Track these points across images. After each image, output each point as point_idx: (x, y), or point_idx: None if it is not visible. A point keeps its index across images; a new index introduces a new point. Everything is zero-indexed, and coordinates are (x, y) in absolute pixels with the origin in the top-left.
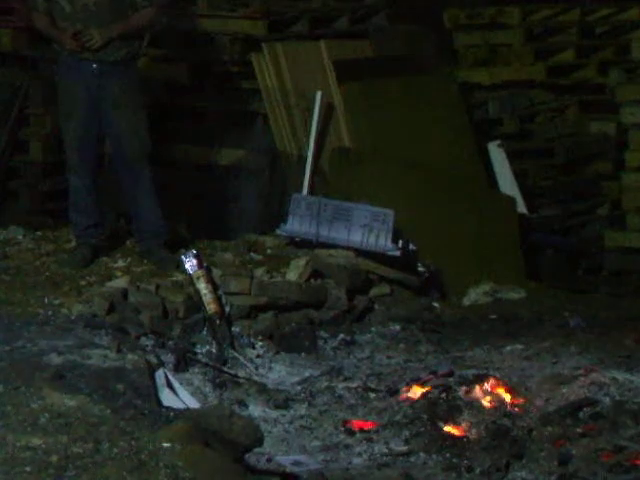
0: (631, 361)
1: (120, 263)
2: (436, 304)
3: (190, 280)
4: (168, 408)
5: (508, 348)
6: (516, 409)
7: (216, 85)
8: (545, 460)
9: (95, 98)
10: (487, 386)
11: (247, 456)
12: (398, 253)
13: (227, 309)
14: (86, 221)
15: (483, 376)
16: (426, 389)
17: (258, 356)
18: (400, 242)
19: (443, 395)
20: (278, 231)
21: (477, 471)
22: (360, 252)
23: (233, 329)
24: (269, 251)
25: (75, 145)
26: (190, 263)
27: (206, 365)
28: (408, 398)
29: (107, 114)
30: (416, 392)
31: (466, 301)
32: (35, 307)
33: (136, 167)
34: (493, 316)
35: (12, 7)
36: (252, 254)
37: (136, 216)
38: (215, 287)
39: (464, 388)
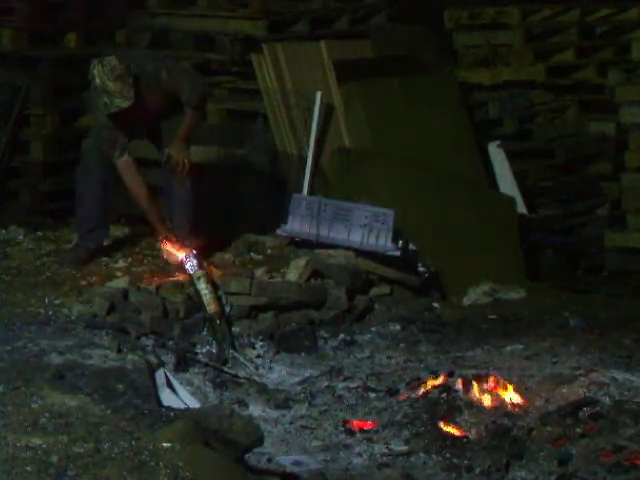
0: (631, 361)
1: (120, 263)
2: (436, 304)
3: (190, 280)
4: (168, 408)
5: (508, 348)
6: (516, 409)
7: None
8: (545, 460)
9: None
10: (487, 386)
11: (247, 456)
12: (398, 253)
13: (227, 309)
14: (90, 223)
15: (483, 376)
16: (427, 389)
17: (258, 356)
18: (400, 242)
19: (443, 395)
20: (278, 231)
21: (477, 471)
22: (360, 252)
23: (233, 329)
24: (269, 251)
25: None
26: (190, 263)
27: (206, 365)
28: (409, 398)
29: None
30: (417, 391)
31: (466, 301)
32: (35, 307)
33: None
34: (493, 316)
35: (12, 7)
36: (252, 254)
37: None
38: (215, 287)
39: (464, 388)
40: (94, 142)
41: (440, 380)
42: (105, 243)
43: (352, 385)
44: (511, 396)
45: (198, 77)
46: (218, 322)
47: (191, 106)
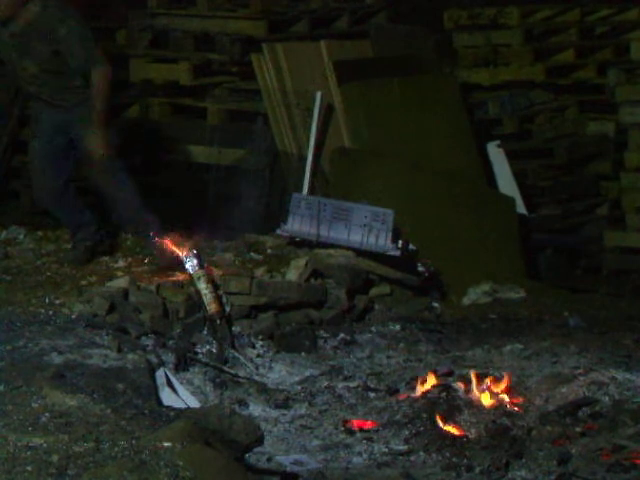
0: (631, 361)
1: (120, 263)
2: (436, 304)
3: (190, 280)
4: (168, 407)
5: (508, 348)
6: (516, 409)
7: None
8: (544, 459)
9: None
10: (487, 386)
11: (247, 455)
12: (398, 253)
13: (227, 309)
14: (71, 224)
15: (483, 376)
16: (430, 386)
17: (258, 356)
18: (400, 242)
19: (443, 395)
20: (278, 231)
21: (477, 470)
22: (360, 252)
23: (233, 329)
24: (269, 251)
25: (40, 161)
26: (190, 263)
27: (206, 365)
28: (408, 397)
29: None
30: (422, 388)
31: (466, 301)
32: (36, 307)
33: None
34: (493, 316)
35: None
36: (252, 254)
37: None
38: (215, 287)
39: (464, 388)
40: (31, 149)
41: (432, 378)
42: (104, 238)
43: (352, 385)
44: (511, 396)
45: (98, 54)
46: (218, 322)
47: (80, 73)
